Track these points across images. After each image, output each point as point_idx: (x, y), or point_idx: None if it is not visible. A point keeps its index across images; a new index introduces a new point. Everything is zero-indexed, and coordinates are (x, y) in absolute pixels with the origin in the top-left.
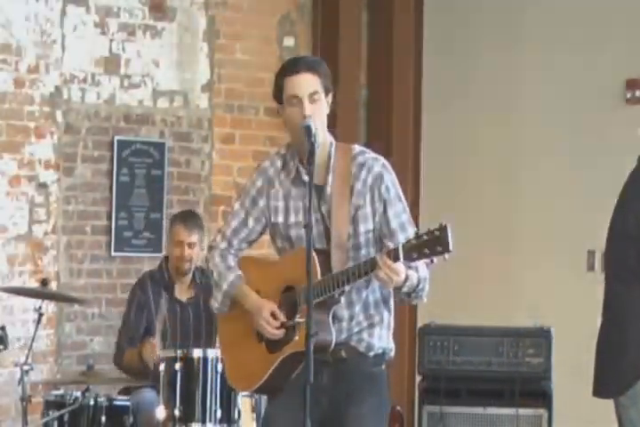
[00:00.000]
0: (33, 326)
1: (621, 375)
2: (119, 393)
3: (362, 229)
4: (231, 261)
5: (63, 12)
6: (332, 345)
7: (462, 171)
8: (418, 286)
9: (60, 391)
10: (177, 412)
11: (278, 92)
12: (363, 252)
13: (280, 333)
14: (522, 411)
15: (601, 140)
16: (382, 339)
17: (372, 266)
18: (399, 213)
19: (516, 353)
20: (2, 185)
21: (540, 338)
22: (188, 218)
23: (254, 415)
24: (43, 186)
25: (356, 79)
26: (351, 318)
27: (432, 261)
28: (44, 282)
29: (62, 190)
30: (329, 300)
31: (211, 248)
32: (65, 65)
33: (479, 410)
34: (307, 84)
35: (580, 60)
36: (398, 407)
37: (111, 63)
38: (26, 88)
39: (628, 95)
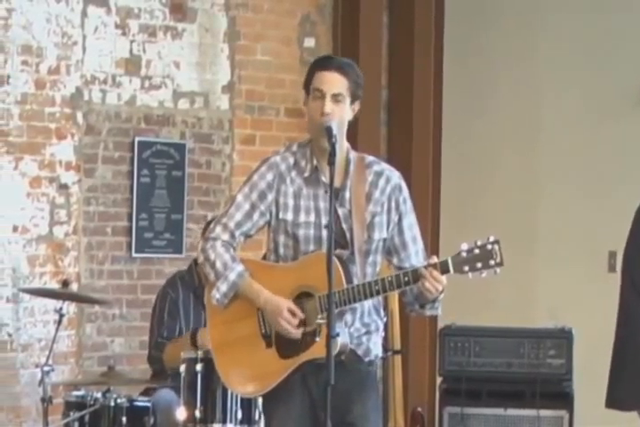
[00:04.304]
0: (54, 328)
1: None
2: (140, 394)
3: (376, 236)
4: (235, 253)
5: (84, 14)
6: (348, 349)
7: (485, 167)
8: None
9: (81, 392)
10: (197, 413)
11: (307, 82)
12: (371, 258)
13: (300, 332)
14: (543, 412)
15: (620, 142)
16: (377, 346)
17: (414, 277)
18: (412, 225)
19: (537, 354)
20: (23, 186)
21: (561, 339)
22: None
23: None
24: (63, 187)
25: (376, 80)
26: (352, 323)
27: (481, 275)
28: (65, 283)
29: (83, 191)
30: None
31: (208, 239)
32: (86, 66)
33: (500, 411)
34: (333, 82)
35: (597, 64)
36: (419, 408)
37: (132, 64)
38: (47, 89)
39: None
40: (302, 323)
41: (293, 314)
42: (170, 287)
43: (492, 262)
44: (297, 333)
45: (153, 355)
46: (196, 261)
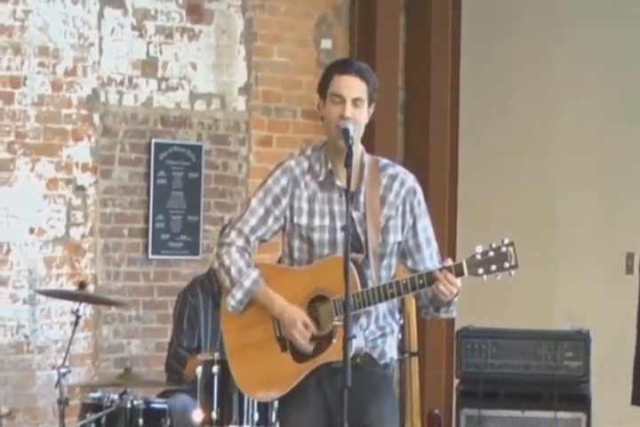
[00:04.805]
0: (70, 329)
1: None
2: (157, 396)
3: (391, 239)
4: (250, 259)
5: (100, 15)
6: (363, 352)
7: (502, 169)
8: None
9: (98, 394)
10: (214, 415)
11: (323, 86)
12: (385, 262)
13: (312, 347)
14: (560, 414)
15: (637, 144)
16: (392, 349)
17: (428, 280)
18: (426, 227)
19: (555, 356)
20: (39, 188)
21: (579, 341)
22: None
23: None
24: (80, 189)
25: (393, 82)
26: (367, 327)
27: (496, 277)
28: (82, 285)
29: (99, 193)
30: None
31: (222, 244)
32: (102, 68)
33: (517, 413)
34: (354, 87)
35: (614, 67)
36: (436, 410)
37: (148, 66)
38: (63, 91)
39: None
40: (314, 338)
41: (307, 327)
42: (189, 293)
43: (506, 265)
44: (309, 347)
45: (173, 366)
46: None
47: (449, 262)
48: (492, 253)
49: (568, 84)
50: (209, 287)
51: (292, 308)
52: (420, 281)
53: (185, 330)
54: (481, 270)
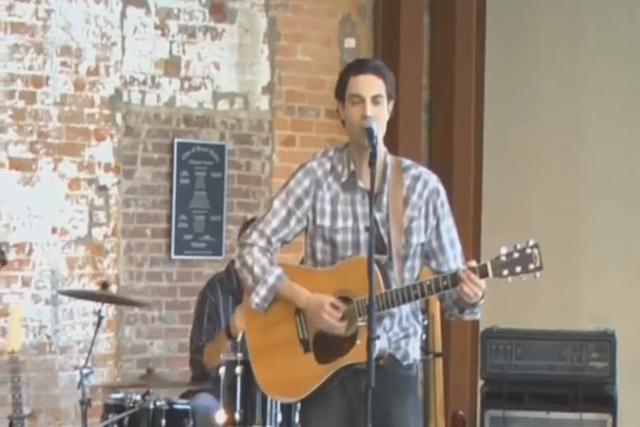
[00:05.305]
0: (93, 330)
1: None
2: (180, 397)
3: (414, 240)
4: (273, 258)
5: (123, 14)
6: (386, 354)
7: (527, 169)
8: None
9: (120, 395)
10: (237, 416)
11: (340, 90)
12: (409, 263)
13: (343, 325)
14: (586, 416)
15: None
16: (415, 350)
17: (453, 281)
18: (450, 228)
19: (580, 357)
20: (62, 188)
21: (604, 342)
22: None
23: None
24: (103, 189)
25: (417, 81)
26: (391, 328)
27: (520, 279)
28: (104, 285)
29: (122, 193)
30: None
31: (244, 245)
32: (125, 67)
33: (542, 415)
34: (371, 85)
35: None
36: (461, 412)
37: (171, 65)
38: (86, 90)
39: None
40: (344, 318)
41: (336, 308)
42: (210, 291)
43: (531, 266)
44: (340, 326)
45: (194, 359)
46: (233, 262)
47: (473, 263)
48: (516, 255)
49: (594, 83)
50: (228, 285)
51: (318, 294)
52: (445, 282)
53: (205, 327)
54: (505, 272)
